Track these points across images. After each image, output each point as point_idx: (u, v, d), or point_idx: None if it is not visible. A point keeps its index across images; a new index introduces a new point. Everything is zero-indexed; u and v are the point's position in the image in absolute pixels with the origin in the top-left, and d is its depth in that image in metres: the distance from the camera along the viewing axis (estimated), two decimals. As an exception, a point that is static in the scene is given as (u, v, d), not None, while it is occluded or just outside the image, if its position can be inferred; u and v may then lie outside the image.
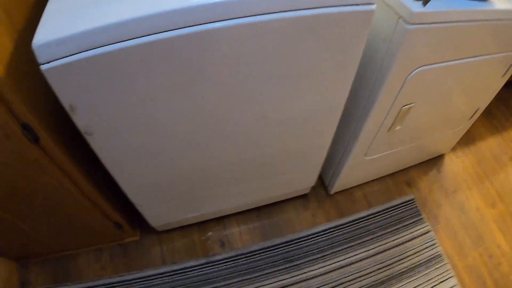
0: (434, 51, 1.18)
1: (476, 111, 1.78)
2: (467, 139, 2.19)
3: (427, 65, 1.22)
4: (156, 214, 1.56)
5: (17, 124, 0.95)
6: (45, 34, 0.81)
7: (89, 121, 0.99)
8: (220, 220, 1.87)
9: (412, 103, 1.38)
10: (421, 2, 1.01)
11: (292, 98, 1.14)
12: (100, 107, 0.97)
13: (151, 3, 0.84)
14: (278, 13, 0.87)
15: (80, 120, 0.98)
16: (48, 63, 0.83)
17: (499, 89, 1.65)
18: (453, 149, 2.16)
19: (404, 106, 1.37)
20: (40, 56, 0.82)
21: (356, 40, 1.00)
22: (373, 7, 0.91)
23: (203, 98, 1.04)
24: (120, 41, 0.84)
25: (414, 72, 1.21)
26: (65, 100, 0.91)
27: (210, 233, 1.83)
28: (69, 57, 0.83)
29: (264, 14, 0.87)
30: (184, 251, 1.77)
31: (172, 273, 1.69)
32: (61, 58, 0.83)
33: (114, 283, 1.66)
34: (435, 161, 2.13)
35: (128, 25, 0.83)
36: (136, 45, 0.85)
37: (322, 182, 1.95)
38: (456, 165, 2.11)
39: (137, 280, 1.67)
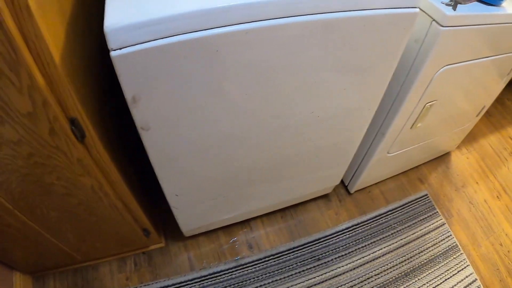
0: (459, 51, 1.26)
1: (483, 108, 1.88)
2: (470, 138, 2.29)
3: (451, 64, 1.30)
4: (189, 218, 1.53)
5: (66, 119, 0.89)
6: (116, 19, 0.77)
7: (149, 114, 0.96)
8: (246, 223, 1.86)
9: (434, 100, 1.45)
10: (451, 7, 1.11)
11: (337, 93, 1.17)
12: (165, 100, 0.94)
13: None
14: (339, 13, 0.92)
15: (141, 113, 0.95)
16: (119, 49, 0.79)
17: (503, 87, 1.76)
18: (458, 147, 2.25)
19: (428, 103, 1.44)
20: (112, 41, 0.78)
21: (400, 39, 1.06)
22: (417, 10, 0.99)
23: (268, 92, 1.05)
24: (200, 30, 0.83)
25: (440, 70, 1.29)
26: (130, 90, 0.88)
27: (235, 238, 1.81)
28: (143, 44, 0.80)
29: (327, 12, 0.91)
30: (212, 256, 1.74)
31: (202, 278, 1.65)
32: (133, 45, 0.80)
33: (141, 292, 1.60)
34: (443, 158, 2.21)
35: (212, 14, 0.82)
36: (216, 34, 0.84)
37: (341, 182, 2.03)
38: (462, 161, 2.19)
39: (166, 288, 1.61)
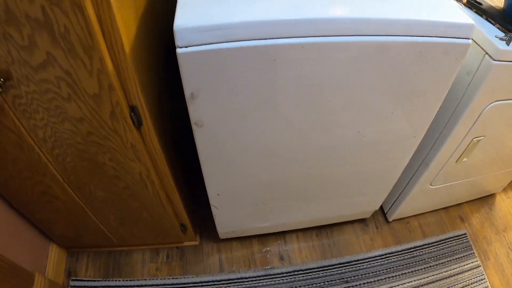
0: (511, 87, 1.24)
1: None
2: (517, 182, 2.20)
3: (502, 100, 1.28)
4: (227, 220, 1.57)
5: (127, 106, 0.96)
6: (185, 20, 0.84)
7: (204, 112, 1.01)
8: (281, 235, 1.88)
9: (482, 136, 1.42)
10: (505, 42, 1.10)
11: (385, 116, 1.18)
12: (220, 100, 0.99)
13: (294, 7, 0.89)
14: (393, 36, 0.95)
15: (197, 110, 1.00)
16: (185, 47, 0.85)
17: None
18: (504, 189, 2.19)
19: (475, 137, 1.41)
20: (179, 40, 0.84)
21: (451, 68, 1.06)
22: (469, 41, 0.99)
23: (317, 105, 1.08)
24: (260, 38, 0.88)
25: (490, 105, 1.27)
26: (189, 86, 0.94)
27: (268, 248, 1.83)
28: (207, 45, 0.86)
29: (383, 35, 0.94)
30: (242, 262, 1.78)
31: (229, 281, 1.69)
32: (199, 45, 0.86)
33: (168, 284, 1.65)
34: (487, 199, 2.15)
35: (272, 25, 0.87)
36: (275, 44, 0.89)
37: (381, 209, 2.02)
38: (507, 205, 2.12)
39: (192, 285, 1.66)
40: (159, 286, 1.64)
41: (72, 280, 1.65)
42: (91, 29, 0.77)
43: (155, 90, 1.08)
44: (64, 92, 0.90)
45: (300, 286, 1.69)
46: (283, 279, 1.71)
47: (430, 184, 1.67)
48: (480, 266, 1.85)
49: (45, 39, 0.78)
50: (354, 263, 1.79)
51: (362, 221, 1.96)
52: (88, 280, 1.65)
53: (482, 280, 1.80)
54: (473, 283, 1.79)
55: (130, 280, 1.65)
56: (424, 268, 1.81)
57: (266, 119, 1.08)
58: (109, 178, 1.22)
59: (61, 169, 1.16)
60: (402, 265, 1.81)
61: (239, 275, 1.70)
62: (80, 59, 0.83)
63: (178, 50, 0.85)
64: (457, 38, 0.98)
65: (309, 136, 1.18)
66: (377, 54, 0.96)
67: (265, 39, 0.87)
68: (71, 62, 0.83)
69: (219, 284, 1.66)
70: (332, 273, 1.75)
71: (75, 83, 0.88)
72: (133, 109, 0.97)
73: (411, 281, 1.76)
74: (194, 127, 1.04)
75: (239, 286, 1.66)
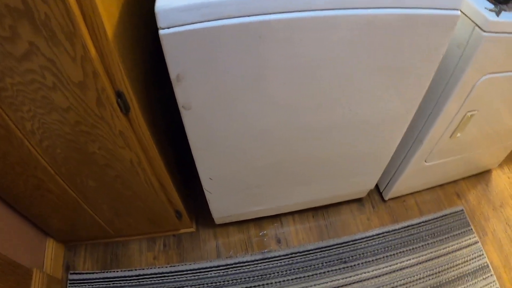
0: (503, 60, 1.22)
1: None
2: (513, 158, 2.20)
3: (495, 72, 1.26)
4: (221, 204, 1.56)
5: (113, 92, 0.95)
6: (167, 0, 0.82)
7: (191, 94, 1.00)
8: (277, 217, 1.88)
9: (475, 110, 1.41)
10: (494, 13, 1.08)
11: (375, 93, 1.17)
12: (207, 81, 0.97)
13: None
14: (382, 9, 0.92)
15: (183, 92, 0.99)
16: (168, 28, 0.84)
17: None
18: (500, 165, 2.17)
19: (468, 112, 1.40)
20: (161, 21, 0.83)
21: (441, 41, 1.04)
22: (458, 12, 0.97)
23: (306, 83, 1.07)
24: (244, 15, 0.86)
25: (483, 78, 1.25)
26: (175, 68, 0.92)
27: (264, 232, 1.83)
28: (190, 25, 0.84)
29: (371, 8, 0.92)
30: (240, 246, 1.77)
31: (227, 266, 1.69)
32: (181, 25, 0.84)
33: (166, 273, 1.65)
34: (483, 175, 2.14)
35: (256, 1, 0.85)
36: (260, 21, 0.87)
37: (377, 188, 2.01)
38: (503, 181, 2.12)
39: (190, 272, 1.66)
40: (157, 275, 1.64)
41: (71, 273, 1.65)
42: (71, 15, 0.75)
43: (141, 75, 1.07)
44: (49, 82, 0.89)
45: (298, 268, 1.70)
46: (281, 262, 1.71)
47: (425, 161, 1.66)
48: (478, 242, 1.85)
49: (26, 28, 0.77)
50: (351, 243, 1.79)
51: (358, 200, 1.96)
52: (86, 273, 1.65)
53: (480, 256, 1.80)
54: (472, 259, 1.79)
55: (129, 270, 1.65)
56: (422, 245, 1.81)
57: (255, 99, 1.06)
58: (100, 167, 1.20)
59: (51, 161, 1.15)
60: (400, 243, 1.80)
61: (236, 260, 1.70)
62: (63, 46, 0.81)
63: (161, 32, 0.84)
64: (445, 9, 0.96)
65: (300, 116, 1.17)
66: (365, 28, 0.94)
67: (249, 16, 0.85)
68: (54, 50, 0.82)
69: (217, 269, 1.66)
70: (330, 253, 1.75)
71: (60, 72, 0.87)
72: (119, 94, 0.96)
73: (410, 259, 1.76)
74: (181, 110, 1.03)
75: (237, 271, 1.66)
